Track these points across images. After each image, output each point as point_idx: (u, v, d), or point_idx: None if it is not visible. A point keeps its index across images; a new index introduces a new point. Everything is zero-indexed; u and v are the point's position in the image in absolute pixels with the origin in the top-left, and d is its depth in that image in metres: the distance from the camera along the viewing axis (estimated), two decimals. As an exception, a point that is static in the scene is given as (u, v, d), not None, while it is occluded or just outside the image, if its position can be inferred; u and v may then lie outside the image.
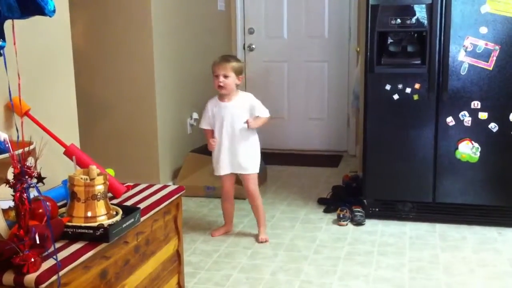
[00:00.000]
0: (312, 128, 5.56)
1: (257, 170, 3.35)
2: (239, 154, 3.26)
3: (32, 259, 1.50)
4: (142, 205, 2.10)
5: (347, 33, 5.33)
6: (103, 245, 1.75)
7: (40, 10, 1.64)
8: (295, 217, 3.74)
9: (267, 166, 4.58)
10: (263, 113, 3.25)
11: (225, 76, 3.19)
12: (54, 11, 1.67)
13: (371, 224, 3.56)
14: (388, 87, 3.45)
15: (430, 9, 3.32)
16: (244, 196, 3.62)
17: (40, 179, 1.60)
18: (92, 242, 1.74)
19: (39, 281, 1.48)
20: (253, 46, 5.53)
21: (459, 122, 3.40)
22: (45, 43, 2.32)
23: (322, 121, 5.54)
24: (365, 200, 3.64)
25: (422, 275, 2.86)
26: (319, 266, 2.98)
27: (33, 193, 1.60)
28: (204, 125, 3.33)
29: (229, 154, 3.27)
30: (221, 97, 3.27)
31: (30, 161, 1.64)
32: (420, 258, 3.06)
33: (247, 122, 3.18)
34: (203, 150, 4.42)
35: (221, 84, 3.19)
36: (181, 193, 2.37)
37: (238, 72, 3.23)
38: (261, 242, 3.31)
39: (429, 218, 3.56)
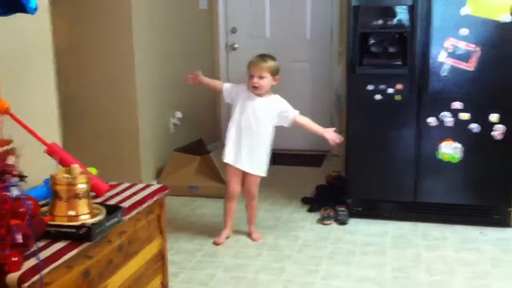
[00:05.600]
0: (295, 128, 5.54)
1: (264, 174, 3.29)
2: (253, 153, 3.21)
3: (14, 258, 1.48)
4: (125, 204, 2.08)
5: (329, 33, 5.35)
6: (86, 244, 1.73)
7: (22, 8, 1.63)
8: (278, 216, 3.74)
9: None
10: (293, 112, 3.24)
11: (261, 77, 3.14)
12: (35, 8, 1.66)
13: (354, 223, 3.58)
14: (370, 87, 3.47)
15: (412, 11, 3.35)
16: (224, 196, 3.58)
17: (21, 177, 1.58)
18: (75, 241, 1.72)
19: (21, 280, 1.46)
20: (236, 46, 5.52)
21: (440, 122, 3.43)
22: (25, 40, 2.29)
23: (305, 121, 5.54)
24: (348, 200, 3.66)
25: (404, 274, 2.88)
26: (302, 265, 2.99)
27: (14, 192, 1.58)
28: (227, 85, 3.28)
29: (248, 150, 3.20)
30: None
31: (11, 160, 1.62)
32: (402, 257, 3.08)
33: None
34: (187, 149, 4.42)
35: (256, 85, 3.15)
36: (165, 192, 2.35)
37: (274, 73, 3.18)
38: (256, 240, 3.31)
39: (411, 217, 3.59)
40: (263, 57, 3.21)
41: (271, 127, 3.25)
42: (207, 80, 3.35)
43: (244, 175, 3.29)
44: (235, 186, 3.29)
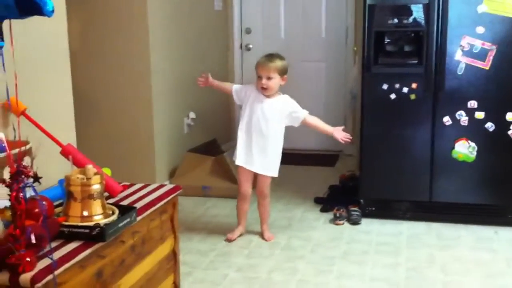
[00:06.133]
0: (308, 128, 5.54)
1: (276, 174, 3.28)
2: (264, 154, 3.19)
3: (28, 259, 1.50)
4: (138, 205, 2.10)
5: (344, 32, 5.33)
6: (99, 245, 1.75)
7: (38, 10, 1.63)
8: (291, 216, 3.74)
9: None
10: (302, 112, 3.22)
11: (269, 78, 3.12)
12: (52, 11, 1.66)
13: (367, 223, 3.56)
14: (385, 86, 3.45)
15: (427, 9, 3.33)
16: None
17: (36, 178, 1.60)
18: (88, 241, 1.73)
19: (34, 280, 1.48)
20: (250, 46, 5.53)
21: (455, 121, 3.40)
22: (41, 42, 2.31)
23: (319, 121, 5.53)
24: (361, 200, 3.65)
25: (418, 274, 2.86)
26: (315, 265, 2.98)
27: (29, 192, 1.60)
28: (236, 87, 3.29)
29: (259, 151, 3.19)
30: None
31: (26, 161, 1.64)
32: (416, 257, 3.06)
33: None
34: (201, 149, 4.43)
35: (264, 86, 3.12)
36: (178, 192, 2.37)
37: (283, 72, 3.15)
38: (269, 240, 3.30)
39: (426, 217, 3.56)
40: (271, 57, 3.17)
41: (281, 127, 3.24)
42: (216, 83, 3.33)
43: (256, 176, 3.29)
44: (246, 187, 3.29)
